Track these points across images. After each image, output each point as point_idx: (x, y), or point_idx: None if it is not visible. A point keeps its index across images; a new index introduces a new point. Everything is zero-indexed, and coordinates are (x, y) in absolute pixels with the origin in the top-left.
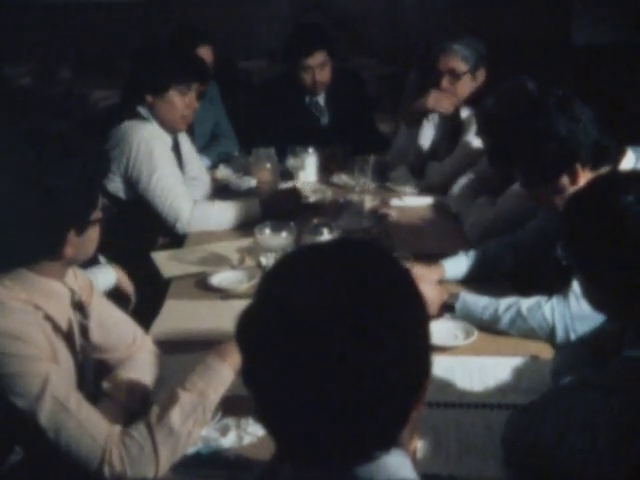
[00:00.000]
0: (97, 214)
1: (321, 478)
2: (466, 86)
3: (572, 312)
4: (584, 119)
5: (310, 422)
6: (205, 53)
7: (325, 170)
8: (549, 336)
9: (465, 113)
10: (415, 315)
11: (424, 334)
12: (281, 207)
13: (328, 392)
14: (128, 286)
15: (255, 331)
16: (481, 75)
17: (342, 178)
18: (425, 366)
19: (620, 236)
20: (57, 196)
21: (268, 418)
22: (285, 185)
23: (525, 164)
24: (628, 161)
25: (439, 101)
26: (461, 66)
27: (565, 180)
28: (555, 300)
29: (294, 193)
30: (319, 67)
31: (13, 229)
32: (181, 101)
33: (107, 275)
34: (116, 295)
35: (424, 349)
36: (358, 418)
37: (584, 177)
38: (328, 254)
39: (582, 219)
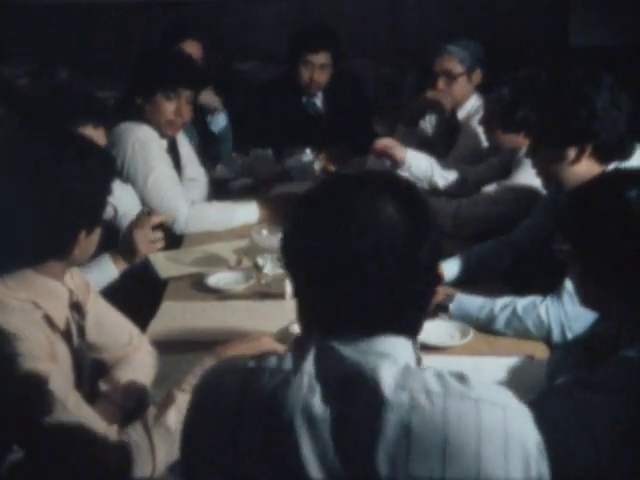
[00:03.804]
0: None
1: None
2: (462, 87)
3: (567, 311)
4: (623, 111)
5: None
6: (192, 49)
7: (323, 171)
8: (545, 336)
9: (462, 114)
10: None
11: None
12: (278, 210)
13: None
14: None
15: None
16: (477, 77)
17: None
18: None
19: (622, 230)
20: (74, 198)
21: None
22: (283, 186)
23: (548, 115)
24: (636, 158)
25: (437, 96)
26: (457, 68)
27: (571, 153)
28: (549, 300)
29: (292, 198)
30: (320, 67)
31: (27, 229)
32: (168, 106)
33: (105, 270)
34: (113, 295)
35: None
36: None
37: (587, 163)
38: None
39: (586, 212)
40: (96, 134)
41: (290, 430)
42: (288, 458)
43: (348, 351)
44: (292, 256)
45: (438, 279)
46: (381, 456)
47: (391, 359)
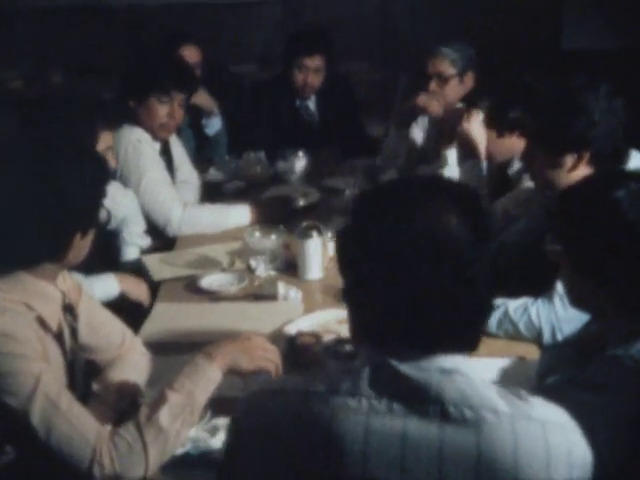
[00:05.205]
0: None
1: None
2: (454, 90)
3: (558, 313)
4: (619, 118)
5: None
6: (190, 53)
7: (315, 173)
8: (536, 337)
9: None
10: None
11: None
12: (271, 213)
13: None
14: (141, 294)
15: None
16: (469, 79)
17: (332, 181)
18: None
19: (611, 229)
20: (70, 200)
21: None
22: (275, 188)
23: (547, 123)
24: (634, 161)
25: (428, 101)
26: (449, 70)
27: (568, 161)
28: (540, 302)
29: (285, 201)
30: (314, 70)
31: (22, 231)
32: (161, 109)
33: (107, 285)
34: (118, 305)
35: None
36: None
37: (583, 169)
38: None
39: (576, 212)
40: (110, 137)
41: (351, 454)
42: None
43: (407, 369)
44: (345, 256)
45: (493, 293)
46: (450, 476)
47: (456, 374)
